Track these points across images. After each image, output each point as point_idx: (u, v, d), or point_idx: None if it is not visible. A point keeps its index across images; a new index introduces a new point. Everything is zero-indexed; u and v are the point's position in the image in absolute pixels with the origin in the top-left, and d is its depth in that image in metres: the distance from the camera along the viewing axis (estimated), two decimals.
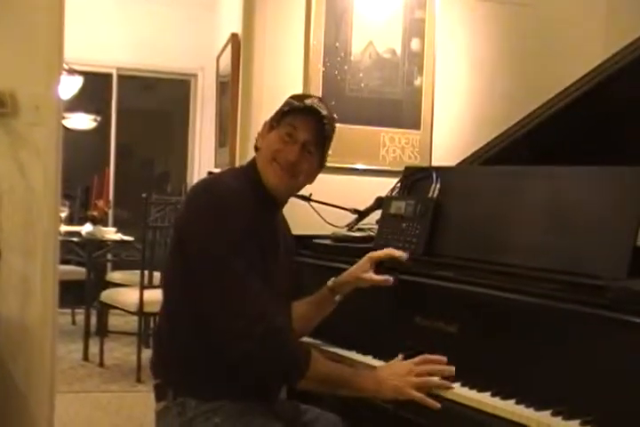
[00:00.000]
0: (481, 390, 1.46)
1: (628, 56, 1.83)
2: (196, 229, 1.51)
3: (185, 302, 1.52)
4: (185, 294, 1.51)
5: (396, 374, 1.49)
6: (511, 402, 1.39)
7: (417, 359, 1.52)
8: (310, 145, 1.60)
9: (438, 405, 1.45)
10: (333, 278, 1.81)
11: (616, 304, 1.30)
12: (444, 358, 1.53)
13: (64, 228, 4.75)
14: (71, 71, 5.21)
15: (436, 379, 1.48)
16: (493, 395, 1.43)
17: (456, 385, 1.49)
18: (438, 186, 1.89)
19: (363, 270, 1.76)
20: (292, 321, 1.72)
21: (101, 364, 4.31)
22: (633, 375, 1.27)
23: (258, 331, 1.42)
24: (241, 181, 1.58)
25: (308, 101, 1.61)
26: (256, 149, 1.67)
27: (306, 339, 1.90)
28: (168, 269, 1.61)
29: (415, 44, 3.21)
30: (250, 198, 1.54)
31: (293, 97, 1.66)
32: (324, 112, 1.60)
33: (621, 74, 1.85)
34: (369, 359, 1.71)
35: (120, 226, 5.46)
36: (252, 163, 1.65)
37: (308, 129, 1.59)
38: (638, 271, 1.41)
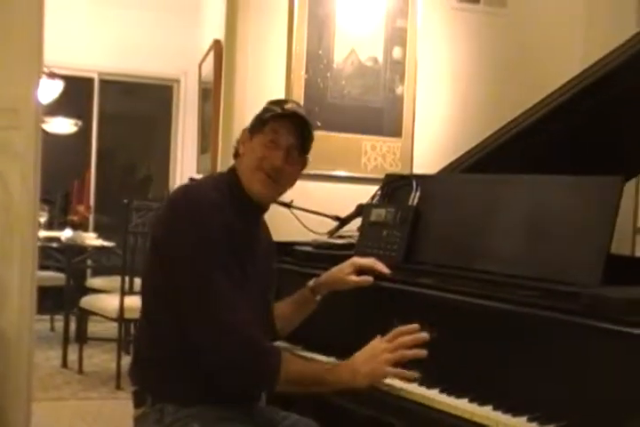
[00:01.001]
0: (459, 396, 1.47)
1: (603, 68, 1.85)
2: (172, 237, 1.51)
3: (162, 308, 1.52)
4: (162, 300, 1.52)
5: (371, 357, 1.49)
6: (488, 408, 1.40)
7: (390, 335, 1.52)
8: (293, 149, 1.62)
9: (416, 375, 1.47)
10: (314, 279, 1.83)
11: (589, 311, 1.32)
12: (416, 326, 1.52)
13: (43, 233, 4.72)
14: (52, 75, 5.19)
15: (409, 352, 1.48)
16: (471, 401, 1.44)
17: (434, 391, 1.50)
18: (418, 194, 1.90)
19: (344, 273, 1.78)
20: (273, 324, 1.74)
21: (80, 371, 4.28)
22: (606, 381, 1.29)
23: (226, 347, 1.43)
24: (220, 189, 1.58)
25: (288, 106, 1.62)
26: (235, 156, 1.67)
27: (286, 345, 1.91)
28: (146, 276, 1.61)
29: (397, 53, 3.23)
30: (227, 206, 1.54)
31: (272, 102, 1.67)
32: (304, 116, 1.63)
33: (597, 85, 1.88)
34: None
35: (101, 231, 5.42)
36: (232, 170, 1.66)
37: (290, 134, 1.61)
38: (612, 278, 1.43)
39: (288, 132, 1.61)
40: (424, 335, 1.50)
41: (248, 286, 1.56)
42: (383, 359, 1.48)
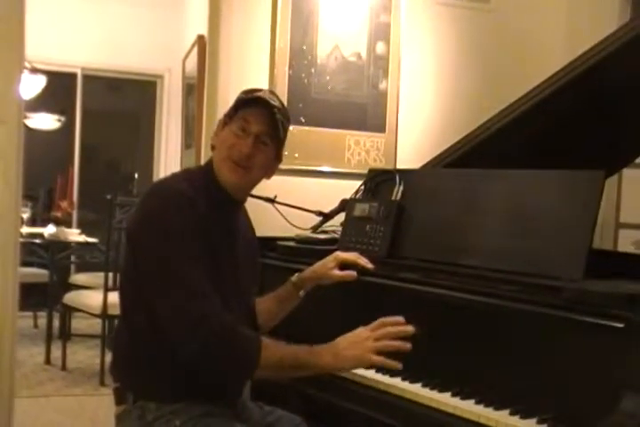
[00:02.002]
0: (442, 390, 1.48)
1: (585, 63, 1.86)
2: (142, 231, 1.51)
3: (140, 304, 1.51)
4: (139, 296, 1.51)
5: (354, 343, 1.48)
6: (471, 402, 1.41)
7: (374, 324, 1.51)
8: (264, 136, 1.59)
9: (399, 365, 1.45)
10: (297, 274, 1.83)
11: (572, 305, 1.33)
12: (401, 318, 1.51)
13: (26, 229, 4.69)
14: (34, 70, 5.14)
15: (395, 342, 1.47)
16: (454, 395, 1.45)
17: (417, 386, 1.51)
18: (401, 188, 1.90)
19: (327, 268, 1.78)
20: (255, 318, 1.74)
21: (64, 367, 4.25)
22: (588, 374, 1.30)
23: (201, 333, 1.41)
24: (193, 181, 1.57)
25: (259, 94, 1.60)
26: (213, 148, 1.66)
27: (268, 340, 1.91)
28: (123, 272, 1.60)
29: (380, 48, 3.23)
30: (200, 198, 1.52)
31: (244, 91, 1.64)
32: (275, 103, 1.60)
33: (579, 80, 1.89)
34: None
35: (84, 227, 5.39)
36: (209, 162, 1.65)
37: (259, 121, 1.58)
38: (595, 273, 1.45)
39: (256, 120, 1.58)
40: (410, 328, 1.49)
41: (225, 278, 1.55)
42: (368, 346, 1.47)
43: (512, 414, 1.34)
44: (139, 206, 1.58)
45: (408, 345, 1.47)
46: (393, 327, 1.50)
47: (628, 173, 2.98)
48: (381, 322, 1.52)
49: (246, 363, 1.45)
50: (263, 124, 1.59)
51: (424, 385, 1.51)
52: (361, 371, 1.62)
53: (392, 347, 1.48)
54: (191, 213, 1.49)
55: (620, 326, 1.24)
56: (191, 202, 1.50)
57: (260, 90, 1.65)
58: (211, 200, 1.56)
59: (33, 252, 4.90)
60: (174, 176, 1.65)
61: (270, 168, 1.65)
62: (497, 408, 1.37)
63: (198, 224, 1.49)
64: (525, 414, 1.33)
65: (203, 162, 3.46)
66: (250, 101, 1.59)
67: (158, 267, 1.47)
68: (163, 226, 1.48)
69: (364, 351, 1.47)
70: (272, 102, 1.59)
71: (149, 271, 1.48)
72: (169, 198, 1.51)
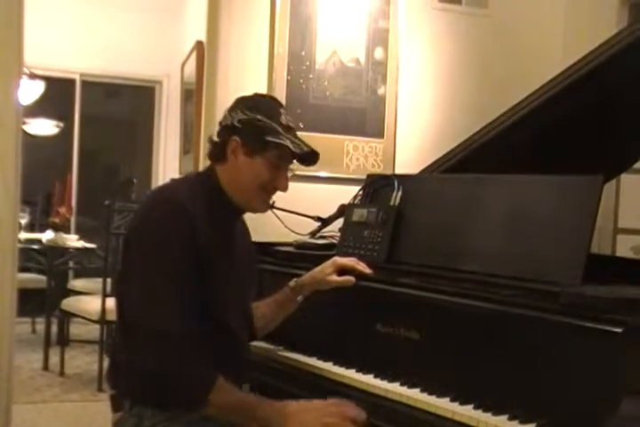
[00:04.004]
0: (440, 395, 1.47)
1: (582, 69, 1.87)
2: (138, 240, 1.52)
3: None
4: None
5: (307, 410, 1.43)
6: (469, 407, 1.41)
7: (330, 401, 1.48)
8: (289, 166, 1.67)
9: None
10: (295, 279, 1.83)
11: (570, 309, 1.33)
12: (353, 406, 1.46)
13: (24, 235, 4.68)
14: (32, 76, 5.14)
15: (346, 424, 1.42)
16: (452, 400, 1.45)
17: (416, 391, 1.51)
18: (400, 194, 1.90)
19: (326, 273, 1.78)
20: (252, 324, 1.75)
21: (62, 373, 4.24)
22: (587, 378, 1.29)
23: (162, 352, 1.42)
24: (194, 192, 1.57)
25: (305, 148, 1.62)
26: (218, 159, 1.65)
27: (267, 345, 1.91)
28: (120, 279, 1.60)
29: (379, 54, 3.24)
30: (199, 209, 1.53)
31: (268, 115, 1.61)
32: (316, 152, 1.66)
33: (577, 85, 1.89)
34: (329, 366, 1.71)
35: (83, 233, 5.38)
36: (211, 171, 1.65)
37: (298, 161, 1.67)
38: (592, 278, 1.44)
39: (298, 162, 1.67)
40: (363, 417, 1.45)
41: (224, 283, 1.56)
42: (318, 421, 1.42)
43: (511, 418, 1.34)
44: (137, 214, 1.59)
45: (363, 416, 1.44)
46: (349, 410, 1.45)
47: (626, 178, 2.98)
48: (339, 401, 1.48)
49: (191, 398, 1.44)
50: (301, 163, 1.68)
51: (423, 390, 1.50)
52: (359, 376, 1.62)
53: None
54: (186, 225, 1.49)
55: (619, 330, 1.24)
56: (188, 213, 1.50)
57: (277, 108, 1.65)
58: (211, 209, 1.56)
59: (31, 257, 4.90)
60: (174, 184, 1.65)
61: None
62: (496, 413, 1.36)
63: (192, 236, 1.49)
64: (524, 419, 1.32)
65: (201, 168, 3.47)
66: (282, 145, 1.60)
67: (141, 278, 1.48)
68: (158, 236, 1.49)
69: (311, 424, 1.41)
70: (316, 151, 1.66)
71: (131, 280, 1.50)
72: (165, 209, 1.51)
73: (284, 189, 1.64)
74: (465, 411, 1.39)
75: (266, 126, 1.60)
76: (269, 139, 1.59)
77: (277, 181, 1.63)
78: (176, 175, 4.81)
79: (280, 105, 1.70)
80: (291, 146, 1.60)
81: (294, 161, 1.67)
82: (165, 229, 1.49)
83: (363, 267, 1.78)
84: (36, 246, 4.64)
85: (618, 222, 3.45)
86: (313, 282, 1.80)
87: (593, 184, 1.51)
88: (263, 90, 3.08)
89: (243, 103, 1.65)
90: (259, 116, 1.61)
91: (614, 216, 3.45)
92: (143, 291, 1.47)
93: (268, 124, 1.61)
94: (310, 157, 1.66)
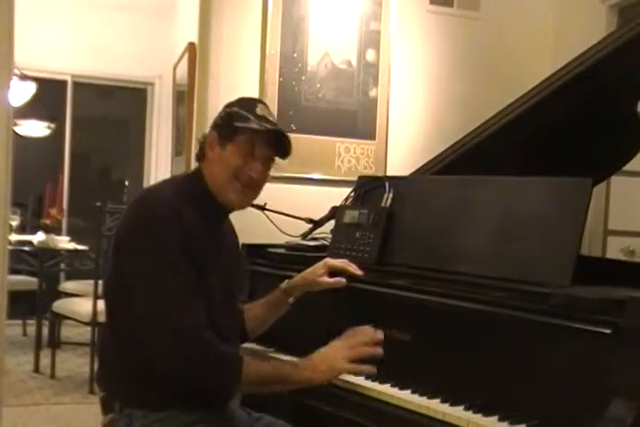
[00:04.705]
0: (431, 396, 1.47)
1: (572, 71, 1.88)
2: (128, 242, 1.52)
3: (124, 314, 1.51)
4: (124, 306, 1.51)
5: (327, 354, 1.56)
6: (460, 408, 1.41)
7: (345, 334, 1.60)
8: (269, 159, 1.62)
9: (374, 370, 1.55)
10: (287, 281, 1.83)
11: (559, 310, 1.33)
12: (370, 327, 1.62)
13: (15, 237, 4.66)
14: (24, 77, 5.13)
15: (367, 349, 1.57)
16: (443, 401, 1.45)
17: (407, 392, 1.51)
18: (391, 195, 1.91)
19: (317, 275, 1.78)
20: (244, 325, 1.76)
21: (53, 376, 4.22)
22: (576, 379, 1.30)
23: (183, 350, 1.42)
24: (180, 192, 1.57)
25: (257, 111, 1.60)
26: (200, 157, 1.65)
27: (258, 347, 1.91)
28: (108, 280, 1.60)
29: (370, 55, 3.25)
30: (187, 210, 1.53)
31: (242, 106, 1.62)
32: (273, 119, 1.62)
33: (567, 88, 1.90)
34: None
35: (74, 235, 5.37)
36: (197, 172, 1.65)
37: (268, 146, 1.61)
38: (583, 279, 1.45)
39: (267, 146, 1.60)
40: (380, 335, 1.60)
41: (213, 285, 1.56)
42: (341, 356, 1.55)
43: (501, 420, 1.34)
44: (125, 216, 1.59)
45: (379, 350, 1.57)
46: (364, 335, 1.59)
47: (616, 180, 3.00)
48: (352, 331, 1.60)
49: (227, 381, 1.46)
50: (271, 149, 1.62)
51: (413, 391, 1.50)
52: (350, 377, 1.62)
53: (365, 353, 1.56)
54: (177, 224, 1.49)
55: (608, 331, 1.25)
56: (177, 213, 1.50)
57: (257, 104, 1.64)
58: (198, 209, 1.56)
59: (22, 259, 4.88)
60: (161, 185, 1.65)
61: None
62: (486, 414, 1.36)
63: (184, 235, 1.49)
64: (514, 420, 1.33)
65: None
66: (257, 129, 1.58)
67: (143, 279, 1.47)
68: (148, 237, 1.48)
69: (336, 361, 1.54)
70: (276, 124, 1.61)
71: (134, 282, 1.48)
72: (155, 209, 1.51)
73: (257, 175, 1.58)
74: (455, 412, 1.39)
75: (237, 114, 1.61)
76: (237, 124, 1.58)
77: (249, 167, 1.58)
78: (168, 177, 4.80)
79: (261, 102, 1.68)
80: (255, 126, 1.57)
81: (276, 157, 1.64)
82: (158, 230, 1.48)
83: (354, 269, 1.79)
84: (27, 248, 4.62)
85: (608, 224, 3.47)
86: (304, 283, 1.80)
87: (582, 186, 1.52)
88: (255, 91, 3.08)
89: (227, 104, 1.67)
90: (235, 109, 1.62)
91: (605, 218, 3.46)
92: (147, 292, 1.46)
93: (239, 112, 1.61)
94: (277, 139, 1.60)
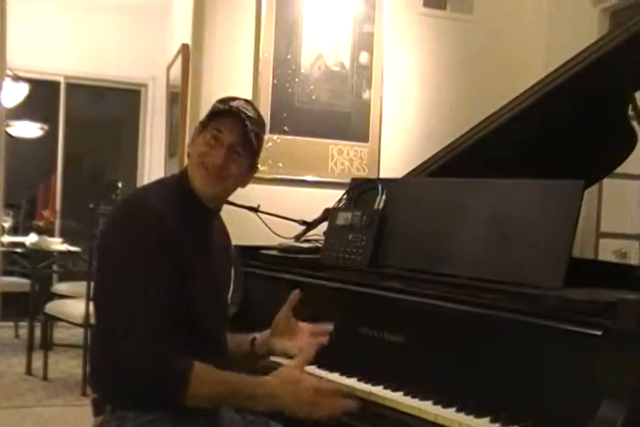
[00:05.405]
0: (423, 398, 1.48)
1: (565, 74, 1.89)
2: (110, 245, 1.52)
3: (109, 315, 1.51)
4: (108, 307, 1.51)
5: (301, 401, 1.46)
6: (452, 410, 1.41)
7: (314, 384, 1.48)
8: (237, 147, 1.59)
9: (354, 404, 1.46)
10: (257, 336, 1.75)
11: (551, 312, 1.34)
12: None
13: (7, 238, 4.65)
14: (17, 78, 5.12)
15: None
16: (435, 403, 1.45)
17: (399, 394, 1.51)
18: (384, 197, 1.91)
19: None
20: (227, 322, 1.74)
21: (45, 377, 4.21)
22: (567, 381, 1.31)
23: (137, 353, 1.42)
24: (165, 194, 1.56)
25: (233, 104, 1.59)
26: (188, 155, 1.66)
27: None
28: (96, 283, 1.60)
29: (364, 58, 3.26)
30: (171, 212, 1.52)
31: (219, 100, 1.63)
32: (250, 113, 1.59)
33: (560, 91, 1.91)
34: (313, 369, 1.71)
35: (67, 236, 5.36)
36: (184, 171, 1.65)
37: (233, 131, 1.58)
38: (575, 281, 1.46)
39: (229, 130, 1.57)
40: (352, 404, 1.48)
41: (199, 288, 1.55)
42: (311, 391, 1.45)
43: (493, 421, 1.34)
44: (109, 219, 1.60)
45: (352, 404, 1.46)
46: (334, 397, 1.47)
47: (608, 182, 3.01)
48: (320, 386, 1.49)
49: (170, 394, 1.45)
50: (236, 135, 1.58)
51: (406, 394, 1.51)
52: (342, 380, 1.62)
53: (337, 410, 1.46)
54: (158, 227, 1.48)
55: (598, 333, 1.25)
56: (159, 216, 1.49)
57: (235, 99, 1.63)
58: (183, 210, 1.56)
59: (14, 261, 4.86)
60: (146, 189, 1.66)
61: (244, 178, 1.65)
62: (478, 416, 1.37)
63: (166, 239, 1.49)
64: (506, 422, 1.33)
65: None
66: (223, 112, 1.58)
67: (115, 282, 1.48)
68: (128, 241, 1.48)
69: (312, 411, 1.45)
70: (246, 113, 1.58)
71: (109, 284, 1.50)
72: (137, 213, 1.51)
73: (220, 161, 1.55)
74: (448, 414, 1.40)
75: (212, 106, 1.61)
76: (208, 114, 1.59)
77: (213, 154, 1.56)
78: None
79: (246, 101, 1.66)
80: (217, 108, 1.57)
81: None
82: (137, 232, 1.48)
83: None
84: (19, 250, 4.61)
85: (600, 227, 3.48)
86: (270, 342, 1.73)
87: (574, 189, 1.53)
88: (248, 93, 3.08)
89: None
90: (215, 104, 1.62)
91: (597, 220, 3.48)
92: (115, 293, 1.47)
93: (215, 104, 1.61)
94: (242, 126, 1.56)
